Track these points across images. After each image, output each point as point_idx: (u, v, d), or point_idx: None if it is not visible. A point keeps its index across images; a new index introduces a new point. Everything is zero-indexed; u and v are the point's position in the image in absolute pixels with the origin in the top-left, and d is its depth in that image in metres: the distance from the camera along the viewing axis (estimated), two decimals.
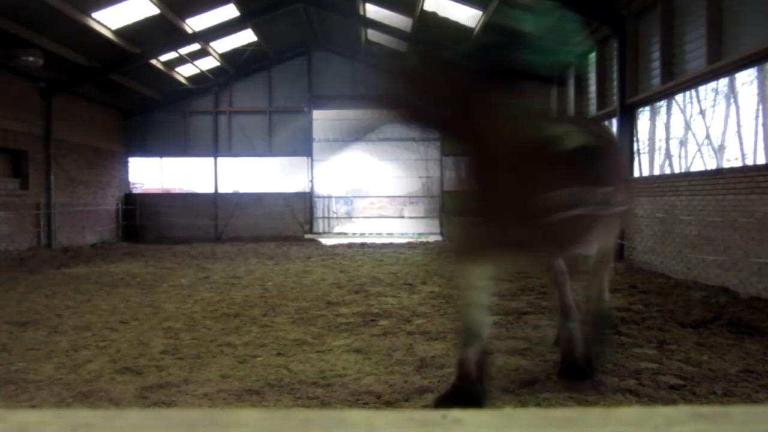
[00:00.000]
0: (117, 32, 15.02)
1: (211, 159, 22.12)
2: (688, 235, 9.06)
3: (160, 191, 23.32)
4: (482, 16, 13.84)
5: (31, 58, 13.76)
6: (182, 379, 4.56)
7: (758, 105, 8.99)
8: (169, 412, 0.73)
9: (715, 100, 9.99)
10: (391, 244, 18.47)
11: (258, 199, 21.82)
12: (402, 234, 22.38)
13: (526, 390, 4.15)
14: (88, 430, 0.68)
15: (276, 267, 12.44)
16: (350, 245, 18.28)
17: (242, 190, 22.53)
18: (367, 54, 20.70)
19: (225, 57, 19.68)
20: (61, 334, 6.16)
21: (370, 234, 22.60)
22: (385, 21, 16.78)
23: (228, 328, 6.41)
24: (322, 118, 22.55)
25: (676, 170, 10.89)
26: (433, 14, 15.02)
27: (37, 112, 16.01)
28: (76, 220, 17.88)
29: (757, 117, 9.10)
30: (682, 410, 0.72)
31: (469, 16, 14.57)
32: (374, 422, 0.69)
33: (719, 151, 10.01)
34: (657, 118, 11.86)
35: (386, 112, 3.71)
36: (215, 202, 21.96)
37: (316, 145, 22.26)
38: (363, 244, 18.50)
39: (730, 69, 8.65)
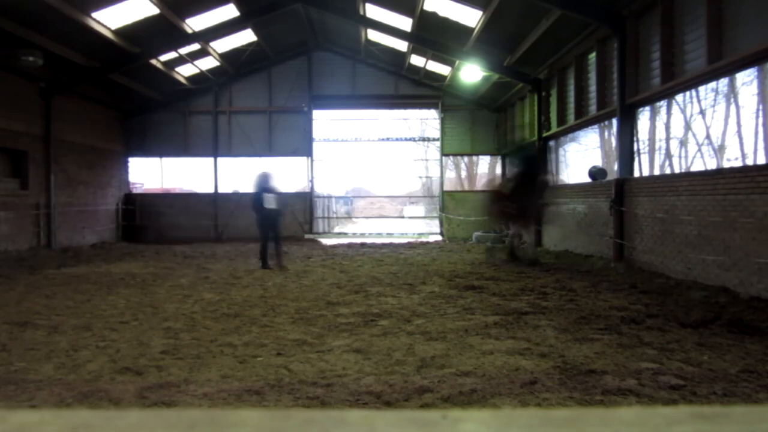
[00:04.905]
0: (117, 32, 15.02)
1: (211, 159, 22.12)
2: (688, 235, 9.06)
3: (160, 191, 23.31)
4: (482, 16, 13.84)
5: (31, 58, 13.75)
6: (182, 379, 4.56)
7: (758, 105, 9.00)
8: (169, 412, 0.73)
9: (715, 100, 9.99)
10: (391, 244, 18.46)
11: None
12: (402, 234, 22.38)
13: (526, 390, 4.15)
14: (88, 430, 0.69)
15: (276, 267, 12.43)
16: (350, 245, 18.28)
17: (242, 190, 22.51)
18: (368, 54, 20.71)
19: (225, 57, 19.68)
20: (61, 334, 6.16)
21: (370, 234, 22.60)
22: (385, 21, 16.79)
23: (228, 328, 6.41)
24: (322, 118, 22.57)
25: (676, 170, 10.90)
26: (433, 14, 15.02)
27: (37, 112, 16.02)
28: (76, 220, 17.88)
29: (757, 117, 9.12)
30: (682, 410, 0.73)
31: (469, 16, 14.58)
32: (374, 422, 0.69)
33: (719, 151, 10.02)
34: (657, 118, 11.86)
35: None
36: (215, 202, 21.96)
37: (316, 145, 22.28)
38: (363, 244, 18.49)
39: (730, 69, 8.64)
